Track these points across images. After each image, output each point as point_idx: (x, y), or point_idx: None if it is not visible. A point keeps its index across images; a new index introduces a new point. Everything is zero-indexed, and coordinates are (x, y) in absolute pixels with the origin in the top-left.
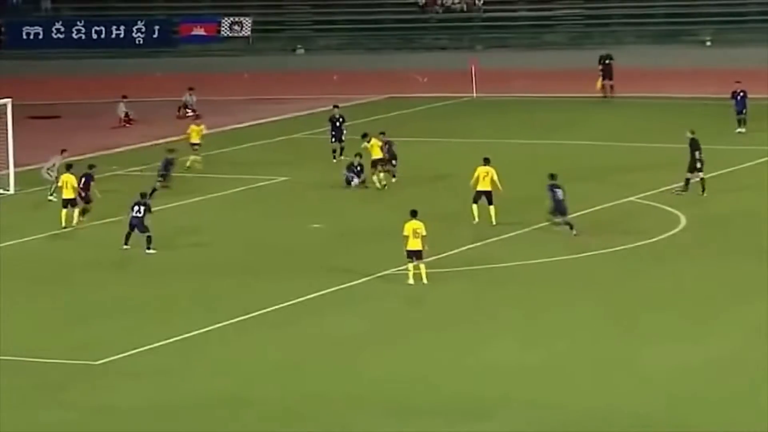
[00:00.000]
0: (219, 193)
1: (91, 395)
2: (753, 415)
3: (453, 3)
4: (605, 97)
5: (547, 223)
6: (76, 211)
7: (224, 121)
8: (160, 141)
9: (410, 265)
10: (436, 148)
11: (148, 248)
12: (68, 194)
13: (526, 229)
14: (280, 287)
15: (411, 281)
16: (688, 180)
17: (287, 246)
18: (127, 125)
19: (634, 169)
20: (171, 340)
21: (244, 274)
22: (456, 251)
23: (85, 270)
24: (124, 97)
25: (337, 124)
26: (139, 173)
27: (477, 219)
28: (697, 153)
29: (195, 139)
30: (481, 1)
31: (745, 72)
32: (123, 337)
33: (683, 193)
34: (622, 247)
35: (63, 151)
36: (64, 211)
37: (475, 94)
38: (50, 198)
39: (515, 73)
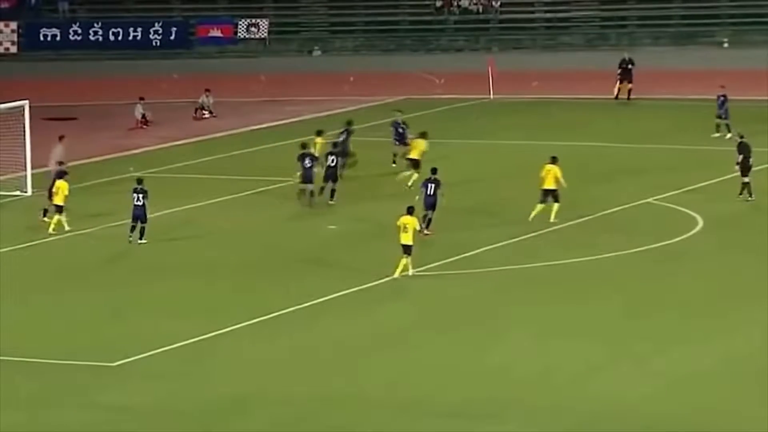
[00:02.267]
0: (235, 195)
1: (108, 397)
2: (766, 416)
3: (470, 4)
4: (617, 98)
5: (560, 225)
6: (63, 217)
7: (241, 123)
8: (177, 143)
9: (402, 259)
10: (453, 149)
11: (141, 237)
12: (58, 200)
13: (541, 231)
14: (294, 289)
15: (396, 275)
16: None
17: (303, 247)
18: (144, 127)
19: (651, 171)
20: (186, 342)
21: (258, 276)
22: (472, 253)
23: (100, 271)
24: (141, 98)
25: (399, 130)
26: (154, 175)
27: (531, 218)
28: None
29: (415, 155)
30: (498, 3)
31: (764, 73)
32: (137, 339)
33: (750, 198)
34: (640, 249)
35: (61, 137)
36: (56, 217)
37: (492, 96)
38: None
39: (532, 74)
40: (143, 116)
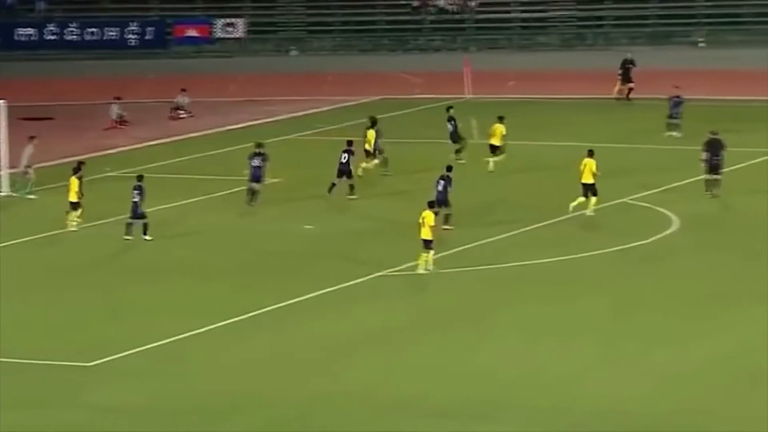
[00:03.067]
0: (211, 195)
1: (90, 396)
2: (753, 416)
3: (446, 4)
4: (619, 99)
5: (543, 224)
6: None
7: (217, 123)
8: (153, 143)
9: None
10: (429, 149)
11: (145, 234)
12: (72, 197)
13: (520, 230)
14: (274, 288)
15: (420, 270)
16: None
17: (281, 247)
18: (121, 127)
19: (626, 171)
20: (166, 341)
21: (237, 274)
22: (453, 251)
23: (78, 272)
24: (118, 98)
25: (450, 127)
26: (131, 175)
27: (571, 210)
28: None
29: (495, 141)
30: (474, 3)
31: (741, 73)
32: (117, 338)
33: (710, 193)
34: (617, 248)
35: (32, 137)
36: (73, 213)
37: (468, 96)
38: (29, 197)
39: (508, 74)
40: (119, 116)
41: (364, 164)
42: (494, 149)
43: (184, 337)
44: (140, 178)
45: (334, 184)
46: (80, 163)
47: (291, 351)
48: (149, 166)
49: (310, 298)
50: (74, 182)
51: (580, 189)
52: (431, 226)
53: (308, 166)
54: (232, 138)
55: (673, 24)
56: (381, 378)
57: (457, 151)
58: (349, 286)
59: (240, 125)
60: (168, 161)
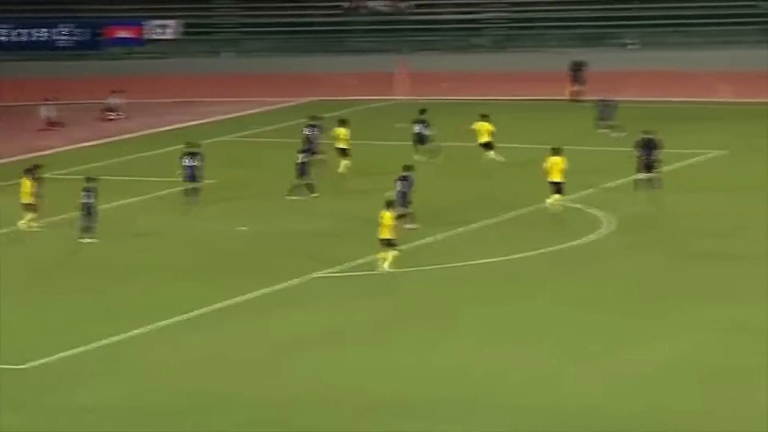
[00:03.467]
0: (145, 196)
1: (28, 398)
2: (698, 415)
3: (380, 6)
4: (573, 101)
5: (472, 226)
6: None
7: (150, 124)
8: (86, 144)
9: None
10: (361, 150)
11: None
12: (25, 199)
13: (448, 233)
14: (208, 288)
15: (381, 268)
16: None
17: (215, 248)
18: (52, 128)
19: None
20: (107, 341)
21: (172, 275)
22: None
23: (13, 274)
24: (46, 99)
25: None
26: (64, 176)
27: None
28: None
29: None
30: (409, 5)
31: (680, 74)
32: (48, 341)
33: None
34: (549, 249)
35: None
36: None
37: (401, 97)
38: None
39: (441, 75)
40: (48, 118)
41: (344, 162)
42: (486, 146)
43: (119, 340)
44: (91, 179)
45: (292, 186)
46: (36, 165)
47: (234, 350)
48: (83, 168)
49: (258, 296)
50: (26, 183)
51: (549, 187)
52: (389, 226)
53: (243, 168)
54: (166, 139)
55: (607, 26)
56: (339, 378)
57: (425, 153)
58: (295, 285)
59: (174, 126)
60: (101, 162)
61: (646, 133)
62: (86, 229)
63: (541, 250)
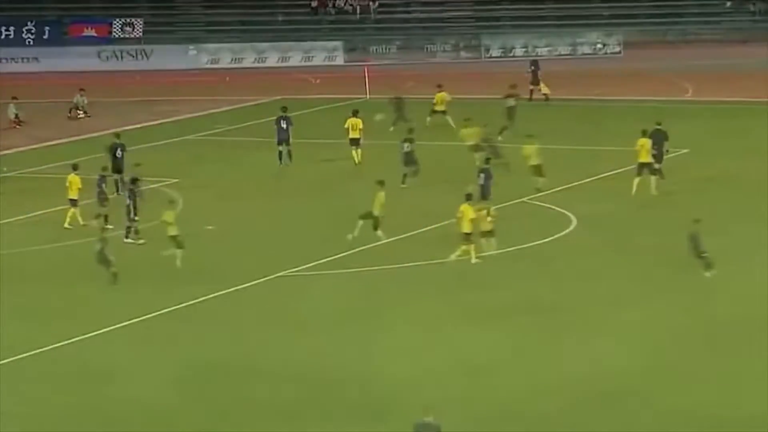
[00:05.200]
0: (111, 195)
1: None
2: (643, 416)
3: (345, 5)
4: (531, 100)
5: (434, 226)
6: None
7: (116, 123)
8: (52, 143)
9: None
10: (327, 149)
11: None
12: (73, 194)
13: (415, 231)
14: (169, 291)
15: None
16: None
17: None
18: (18, 126)
19: (525, 170)
20: (50, 347)
21: (133, 278)
22: (342, 255)
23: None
24: (14, 98)
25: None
26: (28, 175)
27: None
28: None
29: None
30: (374, 3)
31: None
32: None
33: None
34: (513, 248)
35: None
36: (71, 210)
37: (368, 96)
38: None
39: (407, 74)
40: (16, 116)
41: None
42: (476, 148)
43: (66, 344)
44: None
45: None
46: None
47: (186, 352)
48: (47, 167)
49: (209, 299)
50: (76, 179)
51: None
52: (470, 219)
53: (207, 166)
54: (132, 138)
55: (572, 25)
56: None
57: (406, 175)
58: (245, 287)
59: (139, 125)
60: (66, 161)
61: (658, 124)
62: (129, 230)
63: (502, 250)
